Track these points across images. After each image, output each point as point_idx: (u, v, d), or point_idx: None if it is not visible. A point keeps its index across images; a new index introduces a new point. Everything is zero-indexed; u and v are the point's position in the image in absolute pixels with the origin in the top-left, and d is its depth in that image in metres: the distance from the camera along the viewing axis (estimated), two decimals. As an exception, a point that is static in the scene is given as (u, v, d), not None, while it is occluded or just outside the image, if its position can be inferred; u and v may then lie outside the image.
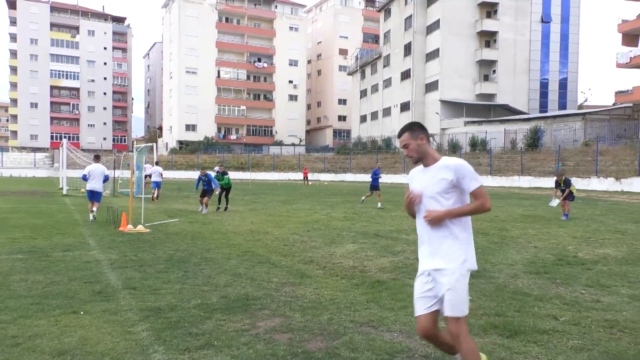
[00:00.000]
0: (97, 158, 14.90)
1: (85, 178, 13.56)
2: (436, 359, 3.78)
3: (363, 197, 20.05)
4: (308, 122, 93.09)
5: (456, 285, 3.11)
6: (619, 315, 4.94)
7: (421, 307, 3.23)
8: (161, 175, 22.38)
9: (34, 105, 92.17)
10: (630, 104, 45.84)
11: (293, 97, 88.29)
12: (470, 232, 3.30)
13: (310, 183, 44.23)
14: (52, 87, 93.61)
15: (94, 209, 13.07)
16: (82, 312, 4.87)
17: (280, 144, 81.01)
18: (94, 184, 13.30)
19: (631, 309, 5.17)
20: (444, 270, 3.12)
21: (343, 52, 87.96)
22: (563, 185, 14.55)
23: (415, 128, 3.38)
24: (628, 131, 41.30)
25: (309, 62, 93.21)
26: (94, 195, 13.31)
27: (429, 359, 3.79)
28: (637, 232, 11.26)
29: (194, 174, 58.00)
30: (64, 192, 25.44)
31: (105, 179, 13.68)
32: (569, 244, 9.42)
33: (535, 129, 43.81)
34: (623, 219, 14.16)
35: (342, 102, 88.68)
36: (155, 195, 21.21)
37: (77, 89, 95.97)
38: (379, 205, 18.04)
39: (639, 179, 28.97)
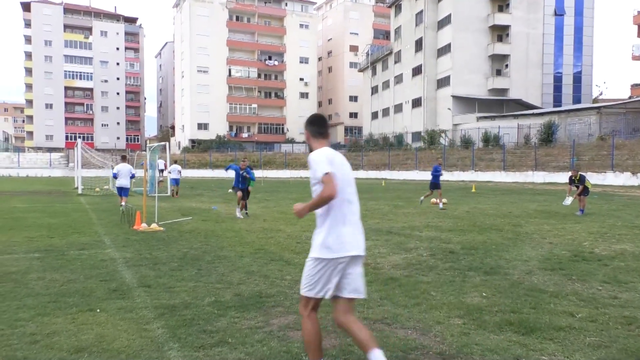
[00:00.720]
0: (123, 158, 16.50)
1: (115, 176, 15.45)
2: (451, 356, 3.76)
3: (422, 197, 18.01)
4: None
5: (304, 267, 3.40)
6: (637, 311, 4.87)
7: None
8: (179, 172, 23.31)
9: (48, 106, 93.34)
10: (647, 97, 45.15)
11: (304, 95, 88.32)
12: (327, 222, 3.30)
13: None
14: (66, 88, 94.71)
15: (123, 203, 14.79)
16: (98, 310, 4.92)
17: (291, 141, 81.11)
18: (123, 181, 15.05)
19: (649, 305, 5.10)
20: None
21: (354, 48, 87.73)
22: (577, 181, 14.40)
23: (306, 122, 3.62)
24: (644, 125, 40.70)
25: (319, 59, 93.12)
26: (122, 191, 15.15)
27: (444, 355, 3.77)
28: (655, 227, 11.09)
29: (206, 173, 58.40)
30: (79, 191, 25.72)
31: (132, 176, 15.46)
32: (585, 240, 9.31)
33: (549, 124, 43.37)
34: (640, 214, 13.96)
35: (353, 99, 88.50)
36: (175, 192, 22.49)
37: (91, 90, 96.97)
38: (441, 205, 16.30)
39: (656, 173, 28.56)
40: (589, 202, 15.39)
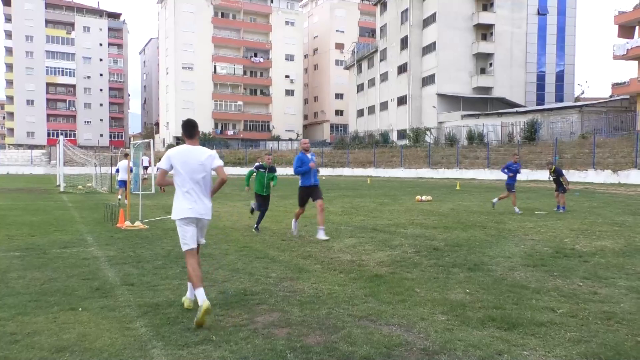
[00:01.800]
0: (126, 156, 17.80)
1: (117, 171, 18.59)
2: (434, 352, 3.79)
3: (495, 199, 15.45)
4: (305, 117, 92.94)
5: None
6: (616, 307, 4.96)
7: None
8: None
9: (30, 102, 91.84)
10: (627, 96, 45.89)
11: (290, 92, 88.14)
12: (174, 196, 4.97)
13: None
14: (48, 84, 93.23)
15: (120, 196, 17.09)
16: (80, 309, 4.87)
17: (277, 139, 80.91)
18: (123, 176, 17.08)
19: (628, 300, 5.19)
20: None
21: (339, 46, 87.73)
22: (554, 174, 14.80)
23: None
24: (625, 123, 41.36)
25: (305, 56, 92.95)
26: (123, 184, 17.31)
27: (428, 351, 3.80)
28: (635, 224, 11.30)
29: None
30: (61, 189, 25.38)
31: (130, 170, 16.93)
32: (567, 237, 9.45)
33: (532, 122, 43.85)
34: (620, 211, 14.22)
35: (339, 96, 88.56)
36: (162, 187, 22.33)
37: (73, 86, 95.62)
38: (517, 209, 14.15)
39: (636, 171, 29.06)
40: (570, 200, 15.61)
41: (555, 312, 4.79)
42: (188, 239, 4.89)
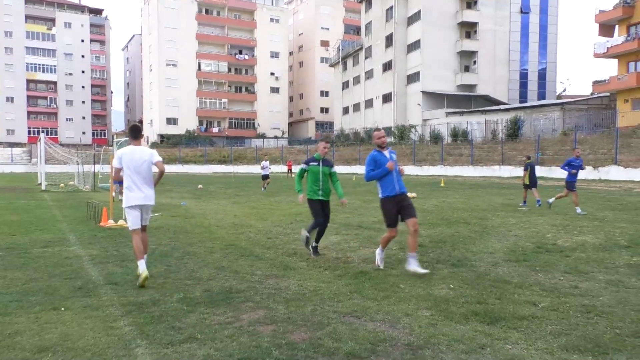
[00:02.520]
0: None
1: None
2: (418, 347, 3.83)
3: (552, 199, 14.53)
4: (290, 115, 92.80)
5: None
6: (596, 300, 5.05)
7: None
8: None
9: (9, 99, 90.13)
10: (607, 94, 46.64)
11: (275, 90, 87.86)
12: (125, 186, 6.07)
13: (294, 175, 44.22)
14: (29, 81, 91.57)
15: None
16: (62, 309, 4.82)
17: (262, 136, 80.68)
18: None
19: (608, 294, 5.29)
20: None
21: (325, 43, 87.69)
22: (531, 169, 15.17)
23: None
24: (605, 120, 42.07)
25: (290, 54, 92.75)
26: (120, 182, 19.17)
27: (412, 346, 3.83)
28: (614, 219, 11.50)
29: (176, 168, 57.50)
30: (43, 187, 25.02)
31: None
32: (548, 232, 9.58)
33: (515, 119, 44.36)
34: (601, 207, 14.46)
35: (325, 94, 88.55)
36: None
37: (55, 83, 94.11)
38: (579, 210, 12.96)
39: (616, 167, 29.58)
40: (552, 196, 15.81)
41: (536, 306, 4.87)
42: (134, 221, 6.02)
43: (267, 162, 25.89)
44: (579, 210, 13.03)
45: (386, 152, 6.74)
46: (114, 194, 17.55)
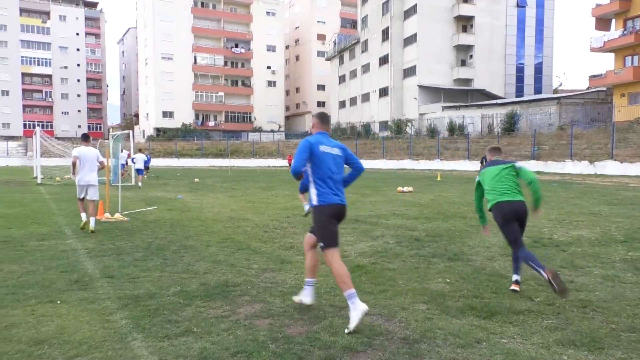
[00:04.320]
0: (140, 150, 22.87)
1: (133, 161, 23.45)
2: (414, 340, 3.83)
3: None
4: (287, 108, 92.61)
5: None
6: (592, 295, 5.07)
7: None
8: (146, 160, 24.03)
9: (4, 92, 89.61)
10: (604, 88, 46.74)
11: (271, 83, 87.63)
12: (78, 172, 9.38)
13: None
14: (24, 74, 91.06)
15: (139, 183, 22.05)
16: (59, 302, 4.81)
17: (259, 130, 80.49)
18: (139, 165, 22.68)
19: (604, 289, 5.32)
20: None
21: (321, 37, 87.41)
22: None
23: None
24: (602, 115, 42.18)
25: (287, 47, 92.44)
26: (139, 171, 22.79)
27: (408, 340, 3.84)
28: (610, 214, 11.55)
29: (172, 162, 57.42)
30: (39, 181, 24.92)
31: (146, 163, 23.69)
32: (544, 227, 9.61)
33: (511, 114, 44.41)
34: (597, 202, 14.51)
35: (321, 87, 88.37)
36: (139, 181, 22.58)
37: (50, 76, 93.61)
38: None
39: (612, 162, 29.66)
40: (548, 190, 15.89)
41: (532, 300, 4.89)
42: (80, 193, 9.44)
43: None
44: None
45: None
46: (139, 183, 21.59)
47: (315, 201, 4.55)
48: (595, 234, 8.79)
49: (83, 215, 9.40)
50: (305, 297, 4.73)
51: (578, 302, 4.80)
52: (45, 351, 3.62)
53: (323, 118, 4.87)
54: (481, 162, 14.89)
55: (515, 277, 5.30)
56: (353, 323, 4.00)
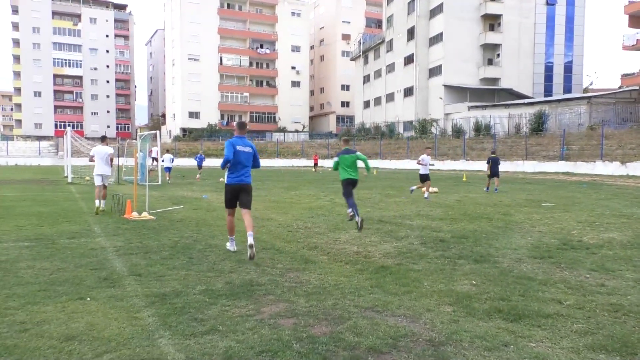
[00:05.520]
0: (167, 151, 25.92)
1: (163, 160, 25.45)
2: (440, 343, 3.79)
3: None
4: (311, 109, 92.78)
5: None
6: (623, 299, 4.94)
7: None
8: (172, 160, 26.41)
9: (37, 93, 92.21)
10: (636, 87, 45.45)
11: (296, 84, 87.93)
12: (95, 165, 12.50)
13: (316, 170, 44.33)
14: (55, 76, 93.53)
15: (168, 178, 24.99)
16: (88, 299, 4.91)
17: (283, 130, 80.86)
18: (167, 163, 25.33)
19: (636, 292, 5.17)
20: None
21: (346, 37, 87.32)
22: (492, 162, 18.43)
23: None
24: (634, 114, 41.02)
25: (311, 47, 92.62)
26: (167, 169, 25.41)
27: (434, 342, 3.80)
28: (642, 216, 11.21)
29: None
30: (69, 180, 25.52)
31: (172, 160, 26.07)
32: (574, 229, 9.40)
33: (539, 113, 43.56)
34: (628, 203, 14.13)
35: (345, 88, 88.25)
36: (167, 178, 25.32)
37: (80, 77, 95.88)
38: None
39: (645, 162, 28.81)
40: (578, 192, 15.54)
41: (562, 304, 4.78)
42: (97, 181, 12.09)
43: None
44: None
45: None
46: (168, 179, 23.51)
47: (226, 180, 7.22)
48: (627, 236, 8.55)
49: (97, 202, 11.89)
50: (231, 246, 7.41)
51: (609, 306, 4.68)
52: (76, 347, 3.70)
53: (240, 126, 7.73)
54: (487, 163, 18.57)
55: (349, 210, 9.27)
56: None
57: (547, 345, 3.76)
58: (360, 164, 9.65)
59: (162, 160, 25.63)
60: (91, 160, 12.36)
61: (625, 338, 3.87)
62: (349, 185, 9.62)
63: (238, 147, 7.11)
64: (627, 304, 4.74)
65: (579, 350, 3.67)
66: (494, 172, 18.38)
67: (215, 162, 58.55)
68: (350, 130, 69.39)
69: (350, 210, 9.25)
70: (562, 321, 4.28)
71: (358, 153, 9.69)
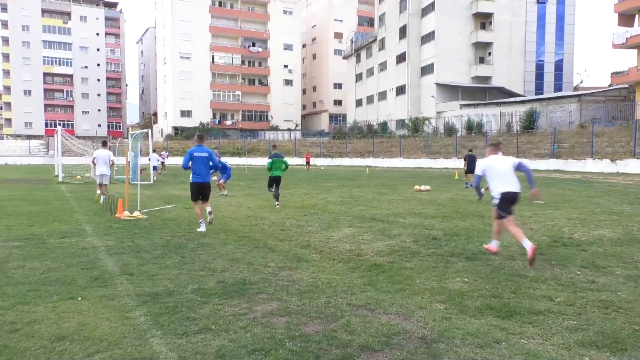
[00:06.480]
0: (154, 151, 24.71)
1: (157, 159, 27.23)
2: (432, 340, 3.81)
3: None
4: (304, 107, 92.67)
5: None
6: (614, 295, 4.98)
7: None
8: (158, 159, 27.65)
9: (27, 92, 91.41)
10: (626, 85, 45.77)
11: (288, 82, 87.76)
12: (97, 167, 14.96)
13: (308, 168, 44.33)
14: (45, 74, 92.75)
15: (154, 177, 25.46)
16: (79, 298, 4.88)
17: (276, 129, 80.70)
18: (153, 163, 25.88)
19: (626, 289, 5.22)
20: None
21: (338, 35, 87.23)
22: (468, 160, 19.20)
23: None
24: (624, 112, 41.34)
25: (303, 46, 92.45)
26: (154, 168, 25.78)
27: (426, 340, 3.81)
28: (633, 213, 11.33)
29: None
30: (60, 179, 25.34)
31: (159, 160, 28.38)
32: (565, 226, 9.47)
33: (530, 111, 43.78)
34: (619, 201, 14.24)
35: (338, 86, 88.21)
36: (154, 176, 25.35)
37: (71, 76, 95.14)
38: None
39: (635, 160, 29.08)
40: (569, 189, 15.65)
41: (553, 300, 4.81)
42: (99, 180, 14.37)
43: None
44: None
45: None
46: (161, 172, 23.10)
47: (191, 180, 9.26)
48: (617, 233, 8.63)
49: (98, 192, 14.65)
50: (202, 227, 9.10)
51: (600, 303, 4.72)
52: (67, 347, 3.68)
53: (199, 137, 9.41)
54: (464, 160, 19.85)
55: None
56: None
57: (539, 341, 3.79)
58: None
59: (149, 159, 26.51)
60: (93, 162, 14.88)
61: (615, 334, 3.91)
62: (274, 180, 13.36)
63: (196, 154, 9.05)
64: (617, 301, 4.78)
65: (570, 346, 3.70)
66: (470, 169, 18.82)
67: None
68: (343, 129, 69.32)
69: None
70: (553, 318, 4.31)
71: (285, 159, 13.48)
